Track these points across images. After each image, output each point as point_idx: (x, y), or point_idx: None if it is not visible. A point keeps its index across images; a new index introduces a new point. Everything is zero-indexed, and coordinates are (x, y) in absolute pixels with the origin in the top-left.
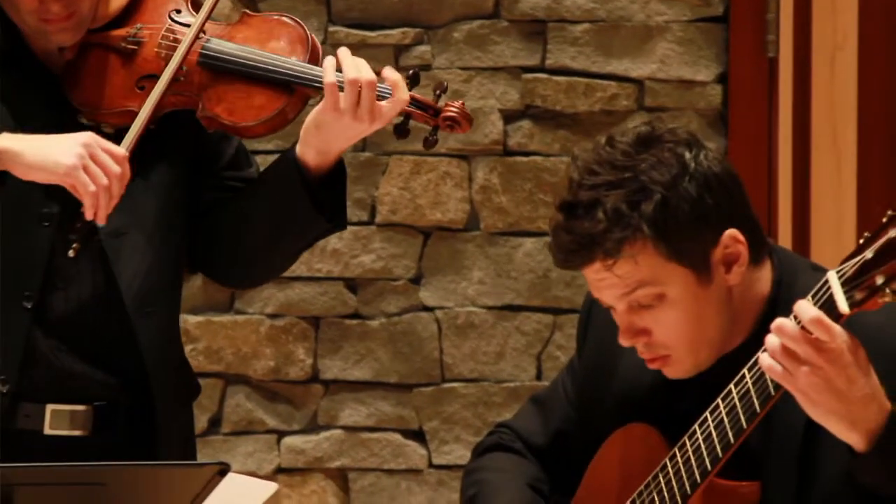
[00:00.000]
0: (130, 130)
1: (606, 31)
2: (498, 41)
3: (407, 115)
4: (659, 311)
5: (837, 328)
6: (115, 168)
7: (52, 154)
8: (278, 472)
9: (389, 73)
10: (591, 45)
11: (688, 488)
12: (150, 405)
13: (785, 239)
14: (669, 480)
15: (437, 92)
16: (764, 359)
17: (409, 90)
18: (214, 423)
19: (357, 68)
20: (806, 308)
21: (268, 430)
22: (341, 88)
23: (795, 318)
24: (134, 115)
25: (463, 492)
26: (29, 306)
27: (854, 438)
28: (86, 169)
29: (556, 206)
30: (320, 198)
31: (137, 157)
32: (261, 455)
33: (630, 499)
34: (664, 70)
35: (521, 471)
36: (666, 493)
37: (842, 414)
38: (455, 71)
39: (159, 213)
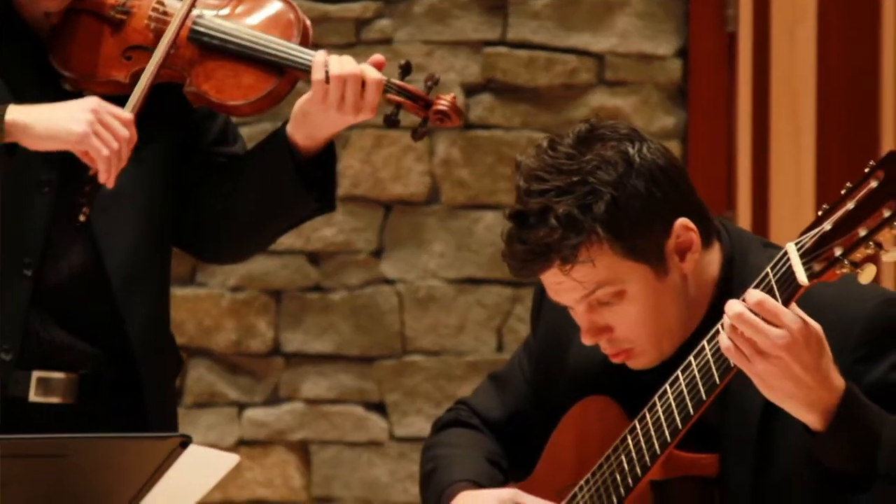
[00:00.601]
0: (133, 94)
1: (567, 5)
2: (459, 15)
3: (398, 106)
4: (619, 308)
5: (787, 315)
6: (124, 131)
7: (62, 122)
8: (240, 445)
9: (372, 59)
10: (552, 19)
11: (647, 460)
12: (135, 379)
13: (745, 211)
14: (629, 452)
15: (429, 83)
16: (722, 340)
17: (401, 80)
18: (176, 396)
19: (341, 64)
20: (753, 292)
21: (229, 402)
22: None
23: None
24: (120, 85)
25: (421, 467)
26: (29, 274)
27: (811, 419)
28: (97, 134)
29: (506, 215)
30: (310, 177)
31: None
32: (222, 427)
33: (591, 470)
34: (624, 44)
35: (479, 445)
36: (626, 465)
37: (798, 398)
38: (416, 45)
39: (147, 189)
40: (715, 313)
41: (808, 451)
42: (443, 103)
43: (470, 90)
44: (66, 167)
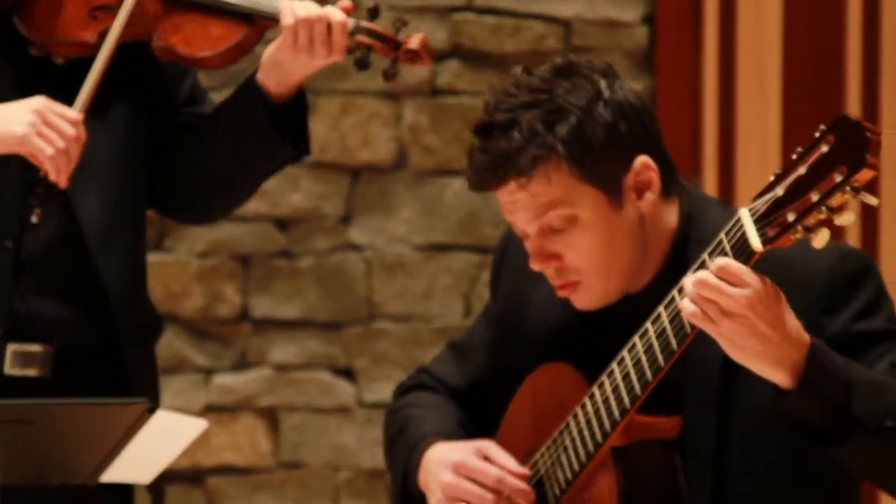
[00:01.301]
0: (84, 86)
1: None
2: None
3: (367, 48)
4: (570, 235)
5: (749, 275)
6: (70, 130)
7: (5, 125)
8: (208, 411)
9: (340, 4)
10: None
11: (608, 426)
12: (114, 343)
13: (711, 177)
14: (589, 418)
15: (398, 25)
16: (685, 306)
17: (370, 22)
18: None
19: (306, 8)
20: (715, 259)
21: (197, 368)
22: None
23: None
24: (87, 46)
25: (386, 430)
26: (10, 245)
27: (779, 377)
28: (41, 135)
29: (473, 129)
30: (283, 123)
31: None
32: (190, 393)
33: (552, 437)
34: (591, 10)
35: (446, 407)
36: (586, 431)
37: (765, 356)
38: (383, 11)
39: (117, 150)
40: (670, 268)
41: (775, 408)
42: (413, 42)
43: (437, 56)
44: None
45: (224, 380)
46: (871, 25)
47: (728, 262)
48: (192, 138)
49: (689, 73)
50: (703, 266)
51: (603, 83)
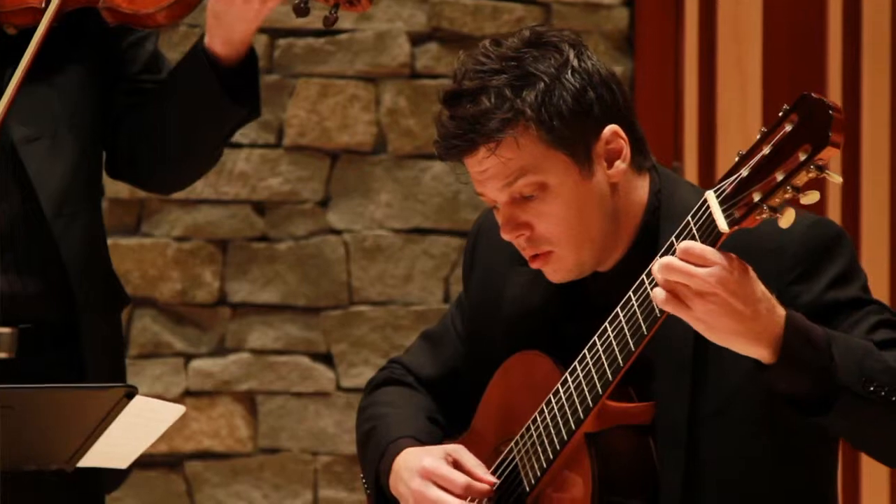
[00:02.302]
0: (27, 51)
1: None
2: None
3: None
4: (541, 203)
5: (713, 254)
6: None
7: None
8: (186, 395)
9: None
10: None
11: (581, 413)
12: (75, 315)
13: (691, 159)
14: (563, 405)
15: None
16: (656, 294)
17: None
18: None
19: None
20: (680, 242)
21: (175, 353)
22: None
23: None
24: (36, 12)
25: (358, 428)
26: None
27: (760, 352)
28: None
29: (441, 98)
30: (233, 85)
31: (43, 61)
32: (168, 378)
33: (525, 425)
34: None
35: (416, 403)
36: (560, 419)
37: (742, 333)
38: None
39: (69, 116)
40: (640, 246)
41: (760, 384)
42: None
43: (416, 39)
44: None
45: (202, 365)
46: (851, 8)
47: (691, 244)
48: (150, 105)
49: (669, 55)
50: (671, 250)
51: (571, 52)
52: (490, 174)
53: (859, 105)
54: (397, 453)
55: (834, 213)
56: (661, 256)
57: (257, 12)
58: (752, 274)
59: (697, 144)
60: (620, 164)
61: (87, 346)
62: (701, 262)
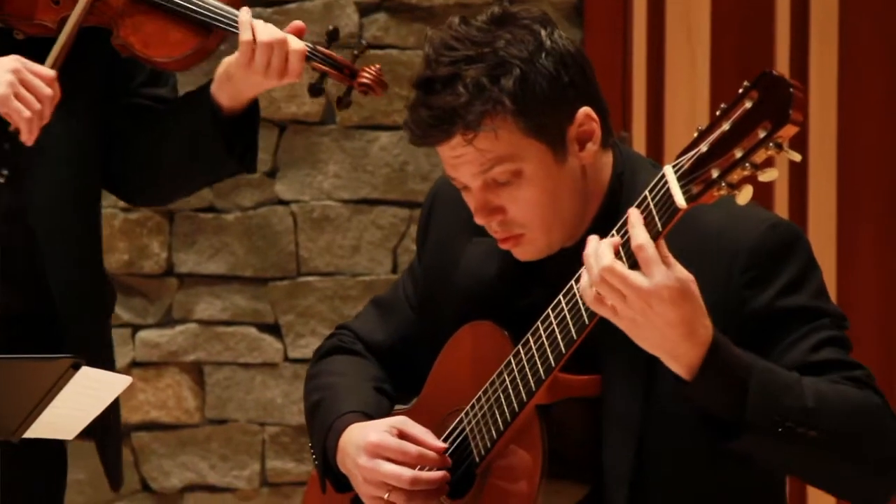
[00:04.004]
0: (55, 47)
1: None
2: None
3: (323, 74)
4: (515, 189)
5: (658, 267)
6: (47, 90)
7: None
8: (133, 366)
9: (292, 27)
10: None
11: (532, 385)
12: (57, 324)
13: (639, 131)
14: (514, 377)
15: (356, 52)
16: (585, 291)
17: (327, 47)
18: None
19: (269, 31)
20: (638, 233)
21: (122, 323)
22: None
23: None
24: (47, 28)
25: (306, 398)
26: None
27: (677, 369)
28: (17, 96)
29: (414, 83)
30: (231, 136)
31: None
32: (115, 349)
33: (476, 396)
34: None
35: (363, 373)
36: (511, 390)
37: (664, 349)
38: None
39: (74, 134)
40: (601, 223)
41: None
42: (366, 76)
43: (365, 10)
44: None
45: (149, 335)
46: None
47: (646, 244)
48: (147, 126)
49: (618, 26)
50: (626, 224)
51: (543, 33)
52: (464, 160)
53: (807, 78)
54: (343, 429)
55: (781, 191)
56: (616, 230)
57: (272, 85)
58: (693, 297)
59: (646, 115)
60: (592, 147)
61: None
62: (644, 269)
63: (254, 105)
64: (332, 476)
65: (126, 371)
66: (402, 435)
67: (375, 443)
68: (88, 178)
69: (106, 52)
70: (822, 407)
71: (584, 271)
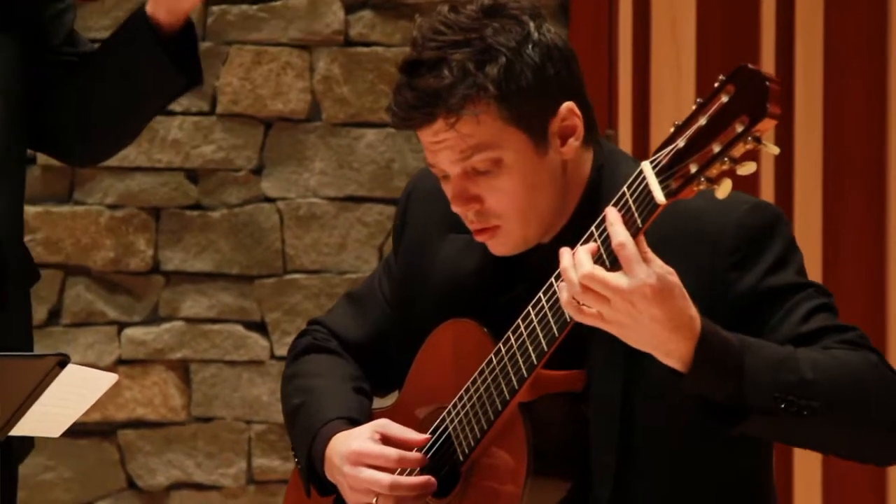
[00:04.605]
0: None
1: None
2: None
3: None
4: (493, 178)
5: (639, 266)
6: None
7: None
8: (119, 364)
9: None
10: None
11: (515, 383)
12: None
13: (625, 128)
14: (496, 375)
15: None
16: (567, 301)
17: None
18: (54, 315)
19: None
20: (618, 231)
21: (108, 321)
22: None
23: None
24: None
25: (285, 400)
26: None
27: (671, 364)
28: None
29: (399, 66)
30: (174, 54)
31: None
32: (101, 346)
33: (458, 394)
34: None
35: (342, 373)
36: (493, 388)
37: (654, 346)
38: None
39: (1, 89)
40: (580, 219)
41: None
42: None
43: (350, 7)
44: None
45: (135, 333)
46: None
47: (626, 241)
48: (77, 77)
49: (603, 23)
50: (603, 222)
51: (532, 25)
52: (445, 145)
53: (792, 74)
54: (329, 437)
55: (767, 183)
56: (595, 227)
57: None
58: (676, 291)
59: (632, 112)
60: (573, 142)
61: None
62: (626, 268)
63: (188, 21)
64: (317, 481)
65: (112, 368)
66: (384, 438)
67: (357, 451)
68: (15, 134)
69: (26, 6)
70: (821, 376)
71: (560, 282)
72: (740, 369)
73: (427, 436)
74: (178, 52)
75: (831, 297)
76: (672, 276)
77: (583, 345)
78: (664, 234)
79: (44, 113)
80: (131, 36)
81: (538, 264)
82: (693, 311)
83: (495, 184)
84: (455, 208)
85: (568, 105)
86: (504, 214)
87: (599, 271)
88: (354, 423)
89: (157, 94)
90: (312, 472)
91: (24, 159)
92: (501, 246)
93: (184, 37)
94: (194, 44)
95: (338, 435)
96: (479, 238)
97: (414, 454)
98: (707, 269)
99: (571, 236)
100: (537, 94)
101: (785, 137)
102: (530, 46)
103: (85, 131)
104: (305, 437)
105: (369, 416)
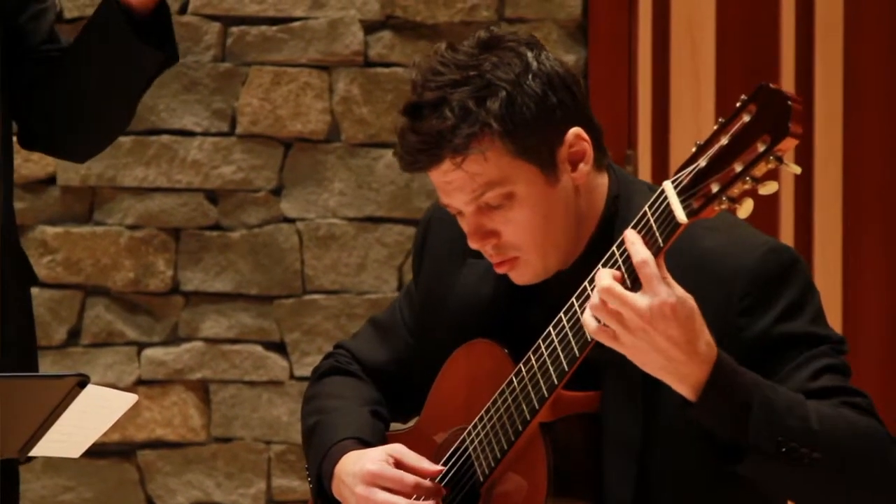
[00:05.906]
0: None
1: None
2: None
3: None
4: (508, 212)
5: (660, 285)
6: None
7: None
8: (139, 384)
9: None
10: None
11: (535, 403)
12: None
13: (645, 149)
14: (517, 396)
15: None
16: (587, 321)
17: None
18: (74, 335)
19: None
20: (639, 250)
21: (128, 341)
22: None
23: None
24: None
25: (303, 420)
26: None
27: (683, 391)
28: None
29: (401, 110)
30: (150, 33)
31: None
32: (121, 367)
33: (479, 415)
34: None
35: (360, 396)
36: (514, 409)
37: (668, 370)
38: None
39: None
40: (597, 244)
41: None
42: None
43: (370, 28)
44: None
45: (155, 353)
46: None
47: (647, 260)
48: (58, 70)
49: (622, 44)
50: (623, 242)
51: (530, 55)
52: (456, 186)
53: (812, 94)
54: (339, 456)
55: (787, 203)
56: (616, 247)
57: None
58: (695, 316)
59: (651, 133)
60: (584, 167)
61: (9, 323)
62: (646, 288)
63: (162, 2)
64: (325, 499)
65: (132, 389)
66: (398, 463)
67: (373, 472)
68: (4, 133)
69: (6, 6)
70: (826, 429)
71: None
72: (749, 405)
73: (441, 467)
74: (152, 29)
75: (844, 352)
76: (691, 300)
77: (600, 366)
78: (681, 272)
79: (32, 111)
80: (103, 20)
81: (555, 291)
82: (710, 338)
83: (510, 217)
84: (472, 245)
85: (574, 131)
86: (522, 246)
87: (618, 287)
88: (366, 444)
89: (136, 75)
90: (321, 489)
91: (10, 166)
92: (523, 276)
93: (157, 14)
94: (168, 19)
95: (349, 454)
96: (499, 270)
97: (431, 483)
98: (720, 311)
99: (589, 262)
100: (542, 125)
101: (805, 156)
102: (530, 77)
103: (74, 122)
104: (317, 454)
105: (383, 439)
